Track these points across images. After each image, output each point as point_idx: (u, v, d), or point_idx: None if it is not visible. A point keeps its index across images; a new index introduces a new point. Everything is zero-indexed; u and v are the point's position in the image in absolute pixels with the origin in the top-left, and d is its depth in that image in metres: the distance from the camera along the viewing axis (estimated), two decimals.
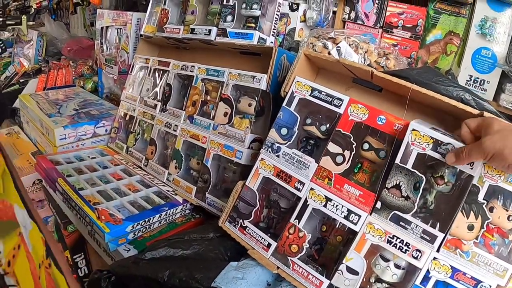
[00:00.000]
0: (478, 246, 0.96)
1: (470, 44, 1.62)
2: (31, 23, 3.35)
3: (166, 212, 1.45)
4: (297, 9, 1.81)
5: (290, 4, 1.82)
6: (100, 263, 1.40)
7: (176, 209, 1.49)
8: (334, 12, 1.84)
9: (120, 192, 1.56)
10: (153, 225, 1.41)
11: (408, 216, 1.00)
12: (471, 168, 0.96)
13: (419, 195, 1.00)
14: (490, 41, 1.58)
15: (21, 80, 3.16)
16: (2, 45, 3.27)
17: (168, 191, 1.59)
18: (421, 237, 0.98)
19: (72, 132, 1.93)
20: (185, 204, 1.52)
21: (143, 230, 1.38)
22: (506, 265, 0.94)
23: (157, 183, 1.64)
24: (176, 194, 1.56)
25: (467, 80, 1.63)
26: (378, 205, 1.04)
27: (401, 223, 1.01)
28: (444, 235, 0.96)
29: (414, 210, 1.00)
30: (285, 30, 1.83)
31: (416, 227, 0.99)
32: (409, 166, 1.01)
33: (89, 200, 1.41)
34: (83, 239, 1.47)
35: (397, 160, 1.03)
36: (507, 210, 0.97)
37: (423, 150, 1.00)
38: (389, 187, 1.03)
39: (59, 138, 1.89)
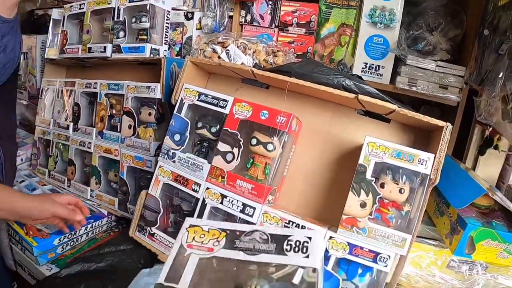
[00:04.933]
0: (376, 222, 1.05)
1: (362, 33, 1.73)
2: None
3: (92, 225, 1.52)
4: (192, 18, 1.87)
5: (186, 13, 1.88)
6: None
7: (101, 221, 1.57)
8: (231, 17, 1.92)
9: None
10: (80, 238, 1.48)
11: None
12: None
13: None
14: (381, 29, 1.69)
15: None
16: None
17: (93, 205, 1.66)
18: None
19: None
20: (110, 216, 1.61)
21: (71, 244, 1.45)
22: (404, 235, 1.02)
23: (84, 200, 1.68)
24: (101, 208, 1.64)
25: (362, 68, 1.73)
26: None
27: None
28: None
29: None
30: (182, 39, 1.89)
31: None
32: None
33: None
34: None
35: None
36: (397, 184, 1.05)
37: None
38: None
39: None
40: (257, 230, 0.75)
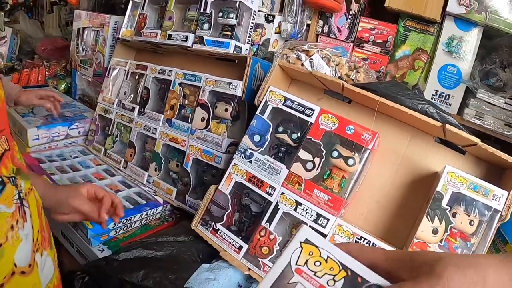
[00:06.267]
0: (442, 249, 1.06)
1: (437, 61, 1.71)
2: (5, 19, 3.38)
3: (147, 212, 1.52)
4: (272, 21, 1.89)
5: (266, 16, 1.90)
6: (72, 263, 1.44)
7: (156, 209, 1.56)
8: (308, 25, 1.93)
9: None
10: (134, 223, 1.48)
11: None
12: None
13: None
14: (456, 59, 1.67)
15: None
16: None
17: (149, 191, 1.66)
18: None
19: (45, 133, 1.97)
20: (165, 205, 1.60)
21: (124, 229, 1.45)
22: None
23: (137, 184, 1.72)
24: (156, 195, 1.64)
25: (433, 95, 1.72)
26: None
27: None
28: None
29: None
30: (260, 40, 1.91)
31: None
32: None
33: None
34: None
35: None
36: (468, 216, 1.06)
37: None
38: None
39: (32, 139, 1.92)
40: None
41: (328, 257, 0.55)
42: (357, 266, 0.53)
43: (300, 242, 0.56)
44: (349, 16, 1.87)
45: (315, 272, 0.54)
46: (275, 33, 1.90)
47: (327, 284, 0.53)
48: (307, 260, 0.55)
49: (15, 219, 0.75)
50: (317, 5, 1.81)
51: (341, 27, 1.89)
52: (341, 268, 0.54)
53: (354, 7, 1.86)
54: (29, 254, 0.77)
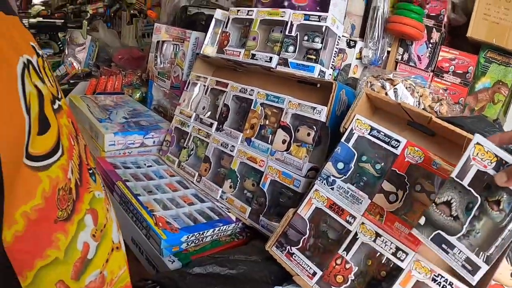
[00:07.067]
0: None
1: None
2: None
3: (220, 228, 1.54)
4: (354, 46, 1.90)
5: (348, 41, 1.90)
6: (138, 270, 1.48)
7: (229, 226, 1.58)
8: (388, 52, 1.92)
9: (175, 202, 1.68)
10: (205, 238, 1.51)
11: (452, 239, 0.98)
12: None
13: (470, 217, 0.95)
14: None
15: (71, 81, 3.31)
16: (60, 45, 3.45)
17: (222, 207, 1.69)
18: (462, 265, 0.96)
19: (121, 139, 2.04)
20: (237, 223, 1.62)
21: (196, 242, 1.48)
22: None
23: (210, 199, 1.75)
24: (229, 212, 1.66)
25: None
26: (422, 220, 1.03)
27: (443, 245, 0.99)
28: (487, 267, 0.94)
29: (461, 233, 0.96)
30: (341, 65, 1.91)
31: (459, 253, 0.96)
32: (465, 183, 0.97)
33: (146, 206, 1.53)
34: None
35: (453, 174, 0.99)
36: None
37: (484, 168, 0.95)
38: (438, 203, 1.01)
39: (108, 144, 1.99)
40: None
41: (488, 150, 0.94)
42: (503, 154, 0.92)
43: (474, 144, 0.96)
44: (430, 45, 1.86)
45: (482, 159, 0.95)
46: (356, 58, 1.91)
47: (487, 164, 0.94)
48: (477, 153, 0.96)
49: (107, 203, 0.84)
50: (399, 32, 1.81)
51: (421, 55, 1.87)
52: (494, 155, 0.93)
53: (435, 35, 1.84)
54: (117, 232, 0.86)
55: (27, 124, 0.58)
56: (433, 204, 1.02)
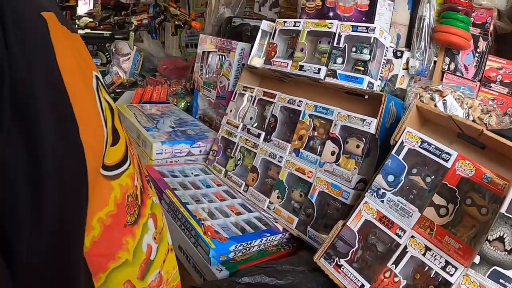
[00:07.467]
0: None
1: None
2: None
3: (267, 238, 1.56)
4: (401, 57, 1.89)
5: (394, 51, 1.90)
6: (184, 277, 1.46)
7: (276, 236, 1.60)
8: (434, 62, 1.91)
9: (223, 212, 1.70)
10: (252, 248, 1.53)
11: (510, 273, 0.98)
12: None
13: None
14: None
15: (117, 90, 3.40)
16: (108, 56, 3.55)
17: (269, 218, 1.70)
18: None
19: (168, 148, 2.08)
20: (284, 233, 1.63)
21: (243, 252, 1.50)
22: None
23: (257, 209, 1.77)
24: (276, 222, 1.67)
25: None
26: (477, 259, 1.03)
27: (501, 280, 0.99)
28: None
29: None
30: (388, 76, 1.91)
31: None
32: None
33: (195, 215, 1.56)
34: None
35: (502, 210, 0.99)
36: None
37: None
38: (491, 240, 1.01)
39: (156, 152, 2.04)
40: None
41: None
42: None
43: None
44: (477, 54, 1.85)
45: None
46: (403, 69, 1.90)
47: None
48: None
49: (161, 207, 0.90)
50: (446, 41, 1.79)
51: (468, 65, 1.86)
52: None
53: (482, 44, 1.83)
54: (169, 235, 0.91)
55: (105, 136, 0.62)
56: (486, 241, 1.01)
